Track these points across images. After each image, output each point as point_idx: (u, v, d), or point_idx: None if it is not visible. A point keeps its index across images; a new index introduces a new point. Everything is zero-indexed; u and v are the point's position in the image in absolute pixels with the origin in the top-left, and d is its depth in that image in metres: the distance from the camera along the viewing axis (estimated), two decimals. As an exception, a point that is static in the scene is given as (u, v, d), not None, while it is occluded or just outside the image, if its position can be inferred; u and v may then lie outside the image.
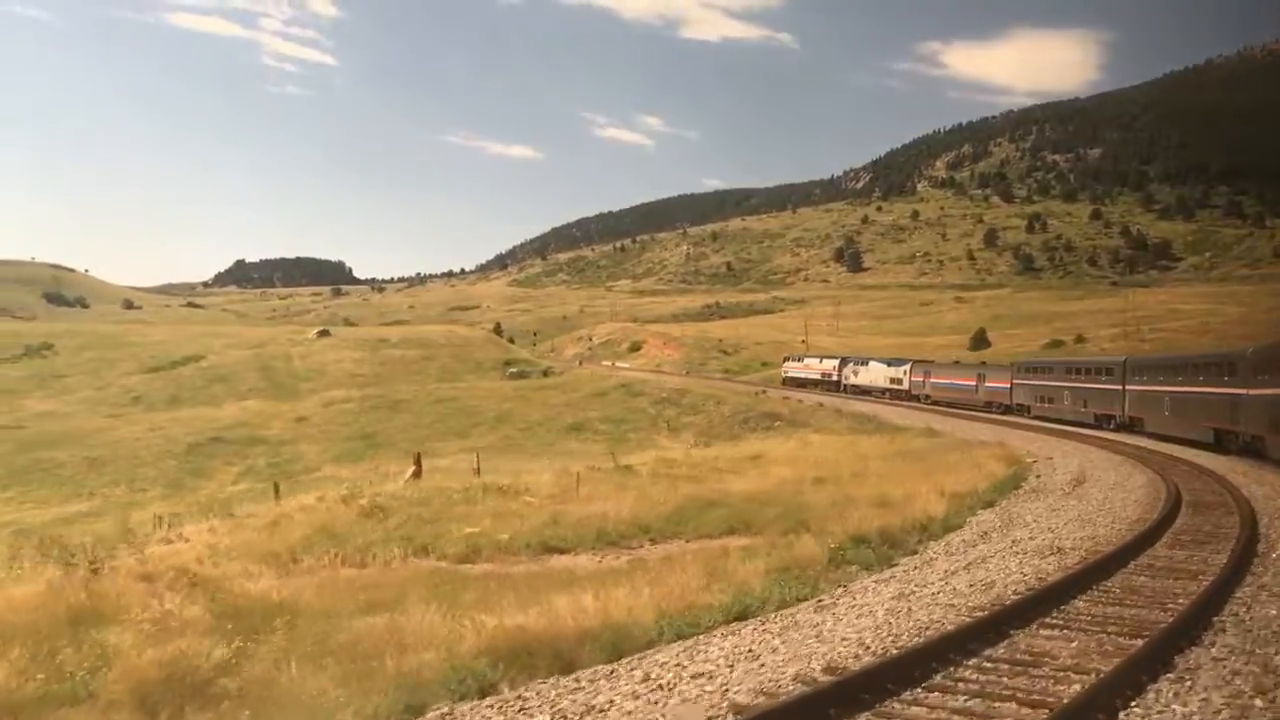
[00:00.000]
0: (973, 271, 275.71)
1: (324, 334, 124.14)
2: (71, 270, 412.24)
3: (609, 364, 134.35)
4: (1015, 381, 61.61)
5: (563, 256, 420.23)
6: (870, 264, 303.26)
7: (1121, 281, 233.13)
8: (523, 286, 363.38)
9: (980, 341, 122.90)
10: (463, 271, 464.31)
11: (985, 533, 15.26)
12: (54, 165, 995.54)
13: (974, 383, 67.84)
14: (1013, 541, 14.18)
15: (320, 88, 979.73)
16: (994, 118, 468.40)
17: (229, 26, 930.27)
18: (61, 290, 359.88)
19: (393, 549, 14.84)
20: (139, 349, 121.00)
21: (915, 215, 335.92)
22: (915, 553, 14.11)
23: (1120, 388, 45.46)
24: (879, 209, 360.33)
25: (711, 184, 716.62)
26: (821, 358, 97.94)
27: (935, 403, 69.60)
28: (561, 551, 15.08)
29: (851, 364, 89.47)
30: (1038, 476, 23.74)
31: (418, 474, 28.56)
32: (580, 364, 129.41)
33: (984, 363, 77.54)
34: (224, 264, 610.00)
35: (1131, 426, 43.70)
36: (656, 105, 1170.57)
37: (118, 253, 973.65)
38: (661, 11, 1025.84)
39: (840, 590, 11.67)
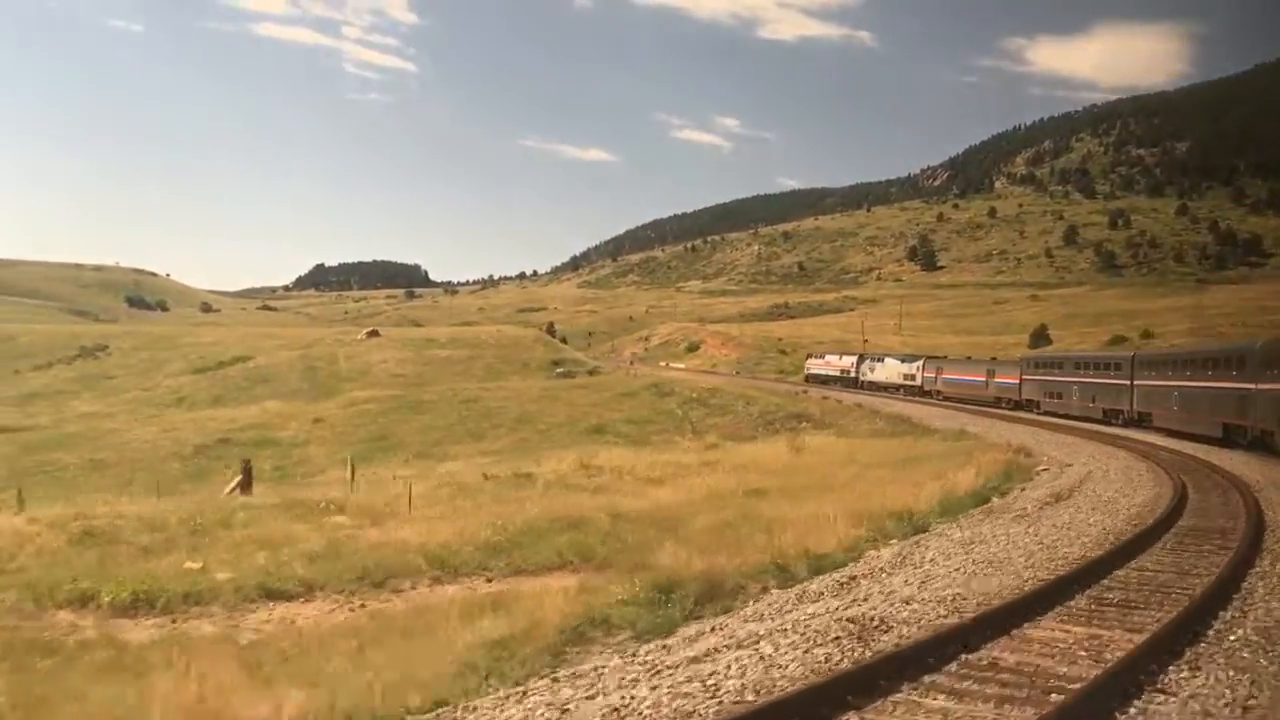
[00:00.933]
0: (1051, 269, 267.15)
1: (373, 334, 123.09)
2: (154, 275, 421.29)
3: (664, 364, 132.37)
4: (1024, 377, 61.52)
5: (633, 258, 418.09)
6: (945, 263, 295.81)
7: (1208, 278, 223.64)
8: (592, 288, 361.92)
9: (1041, 339, 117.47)
10: (534, 274, 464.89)
11: (845, 581, 11.78)
12: (141, 172, 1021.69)
13: (984, 378, 67.82)
14: (853, 600, 10.62)
15: (399, 94, 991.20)
16: (1077, 112, 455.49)
17: (312, 36, 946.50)
18: (143, 294, 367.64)
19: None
20: (190, 350, 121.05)
21: (992, 213, 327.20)
22: (729, 610, 10.78)
23: (1128, 383, 45.12)
24: (955, 206, 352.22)
25: (788, 185, 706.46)
26: (841, 355, 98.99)
27: (947, 398, 69.58)
28: (288, 598, 11.95)
29: (868, 361, 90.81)
30: (1022, 488, 20.29)
31: (245, 486, 25.21)
32: (632, 364, 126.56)
33: (994, 358, 77.25)
34: (305, 268, 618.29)
35: (1140, 422, 43.29)
36: (733, 106, 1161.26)
37: (203, 258, 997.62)
38: (737, 12, 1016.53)
39: (544, 681, 8.28)
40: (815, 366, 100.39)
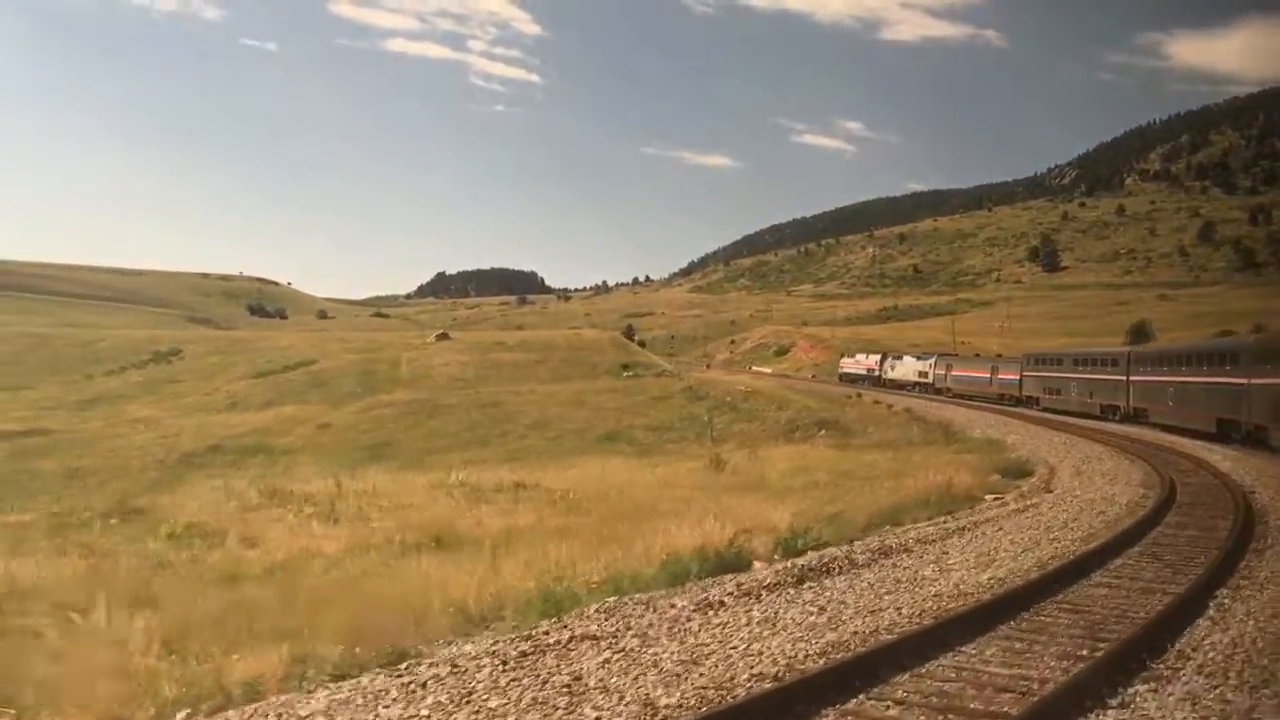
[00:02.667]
0: (1184, 268, 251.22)
1: (442, 337, 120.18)
2: (275, 283, 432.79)
3: (749, 368, 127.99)
4: (1024, 373, 61.67)
5: (745, 262, 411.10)
6: (1068, 263, 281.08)
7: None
8: (703, 292, 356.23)
9: (1141, 336, 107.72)
10: (648, 279, 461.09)
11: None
12: (273, 185, 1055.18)
13: (988, 375, 67.87)
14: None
15: (523, 104, 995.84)
16: (1215, 106, 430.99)
17: (440, 50, 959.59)
18: (264, 302, 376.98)
19: None
20: (259, 355, 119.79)
21: (1121, 210, 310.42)
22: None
23: (1125, 379, 45.39)
24: (1082, 205, 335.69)
25: (912, 187, 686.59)
26: (869, 354, 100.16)
27: (956, 395, 69.19)
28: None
29: (890, 359, 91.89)
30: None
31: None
32: (708, 367, 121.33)
33: (1000, 355, 77.36)
34: (427, 276, 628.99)
35: (1136, 417, 43.27)
36: (855, 109, 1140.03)
37: (330, 268, 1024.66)
38: (859, 15, 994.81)
39: None
40: (847, 365, 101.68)
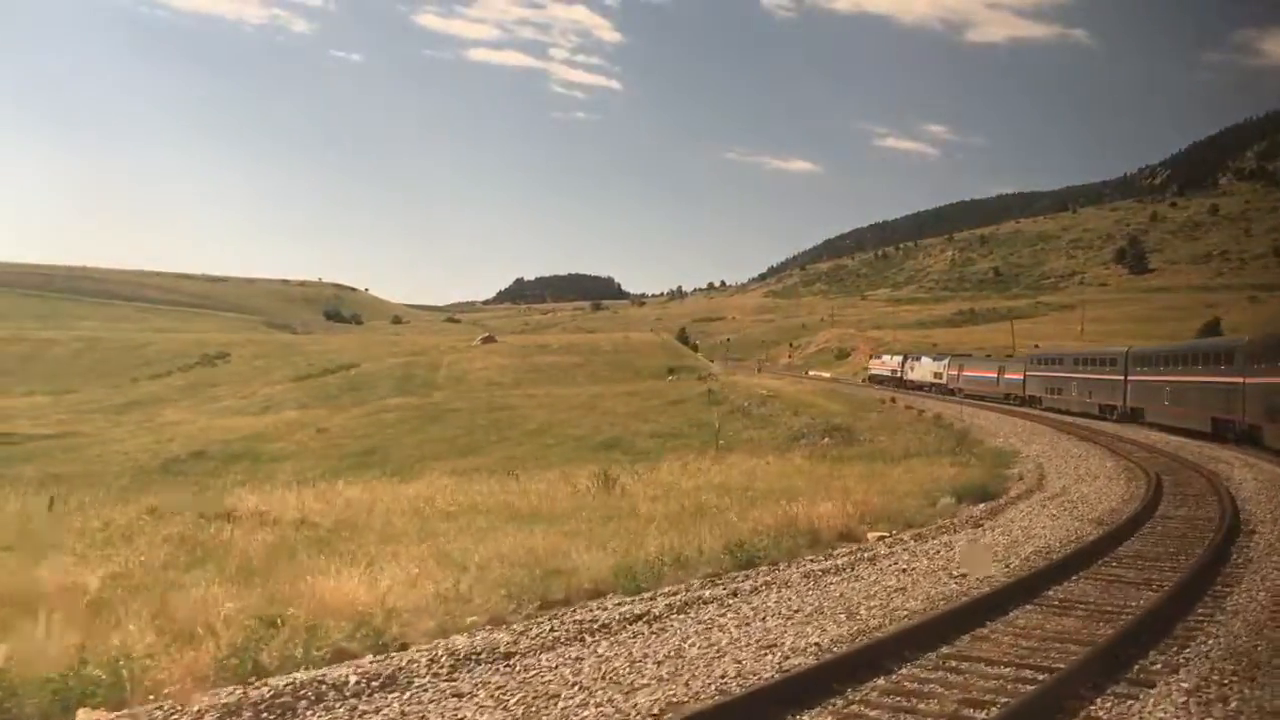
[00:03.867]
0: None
1: (488, 340, 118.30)
2: (353, 289, 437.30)
3: (810, 372, 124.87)
4: (1028, 373, 61.68)
5: (822, 266, 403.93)
6: (1156, 265, 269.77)
7: None
8: (778, 297, 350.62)
9: (1211, 334, 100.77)
10: (723, 284, 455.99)
11: None
12: (358, 192, 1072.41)
13: (995, 375, 67.75)
14: None
15: (603, 111, 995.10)
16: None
17: (521, 58, 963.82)
18: (340, 308, 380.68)
19: None
20: (303, 359, 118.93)
21: (1214, 210, 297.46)
22: None
23: (1122, 378, 45.36)
24: (1173, 205, 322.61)
25: (999, 190, 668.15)
26: (893, 355, 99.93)
27: (968, 396, 68.19)
28: None
29: (910, 360, 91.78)
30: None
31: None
32: (759, 371, 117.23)
33: (1009, 355, 77.77)
34: (506, 283, 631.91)
35: (1133, 417, 43.17)
36: (940, 112, 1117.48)
37: (409, 273, 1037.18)
38: (943, 16, 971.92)
39: None
40: (875, 367, 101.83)
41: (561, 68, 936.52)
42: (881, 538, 13.99)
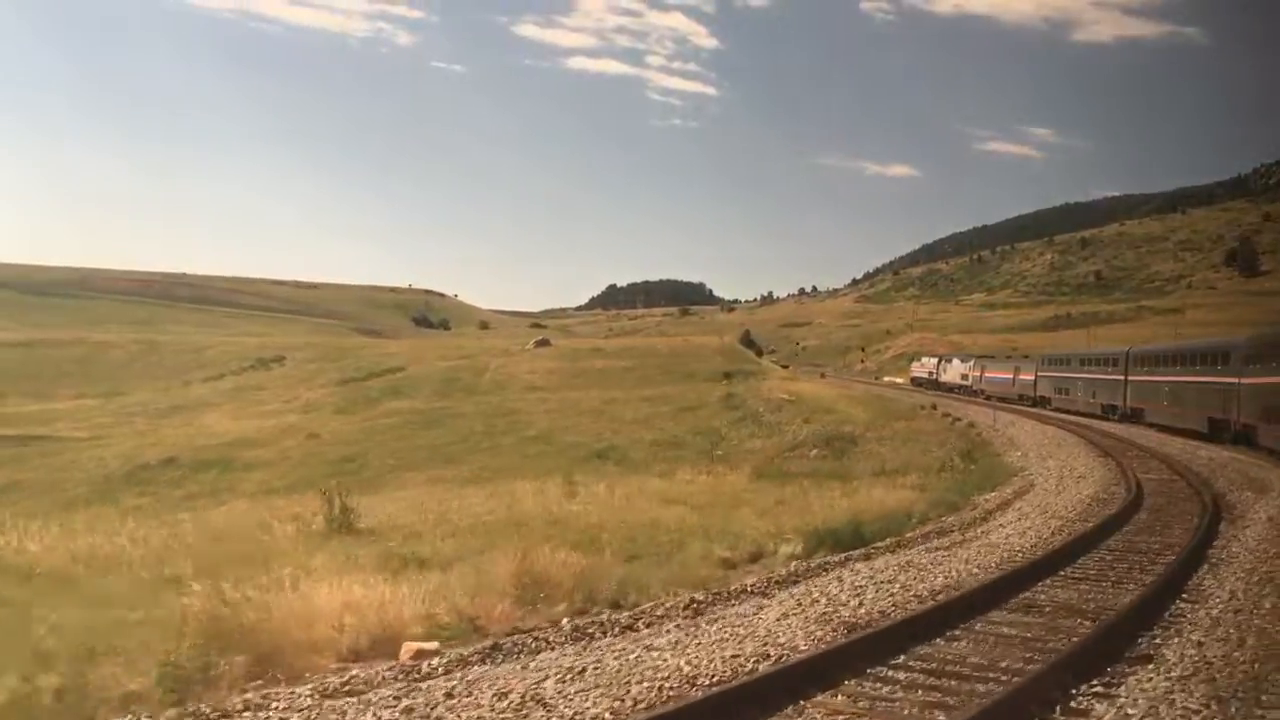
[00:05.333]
0: None
1: (542, 344, 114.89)
2: (442, 295, 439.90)
3: (884, 378, 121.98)
4: (1039, 374, 61.63)
5: (915, 271, 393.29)
6: (1269, 266, 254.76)
7: None
8: (870, 302, 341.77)
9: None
10: (814, 290, 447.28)
11: None
12: (457, 199, 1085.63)
13: (1011, 376, 67.58)
14: None
15: (699, 118, 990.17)
16: None
17: (619, 67, 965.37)
18: (428, 314, 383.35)
19: None
20: (355, 362, 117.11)
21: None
22: None
23: (1123, 378, 45.17)
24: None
25: (1103, 193, 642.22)
26: (931, 358, 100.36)
27: (989, 397, 67.32)
28: None
29: (942, 362, 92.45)
30: None
31: None
32: (822, 376, 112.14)
33: (1026, 356, 76.00)
34: (599, 288, 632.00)
35: (1134, 417, 42.92)
36: (1043, 114, 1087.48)
37: (504, 280, 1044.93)
38: (1048, 16, 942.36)
39: None
40: (915, 370, 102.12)
41: (658, 75, 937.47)
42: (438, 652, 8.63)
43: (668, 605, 10.14)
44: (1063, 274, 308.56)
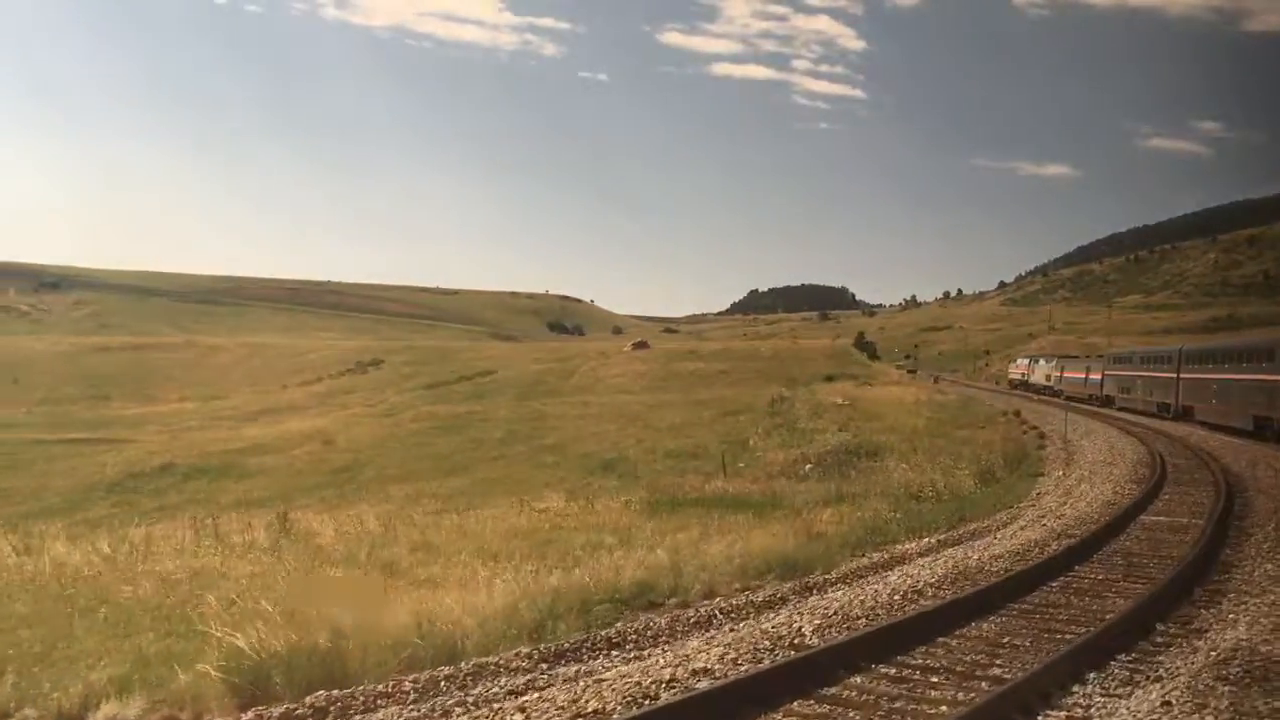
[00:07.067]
0: None
1: (640, 346, 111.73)
2: (579, 301, 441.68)
3: (1003, 383, 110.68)
4: (1106, 373, 60.94)
5: (1066, 272, 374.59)
6: None
7: None
8: (1016, 305, 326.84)
9: None
10: (959, 293, 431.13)
11: None
12: (600, 205, 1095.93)
13: (1083, 375, 66.92)
14: None
15: (846, 121, 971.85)
16: None
17: (764, 71, 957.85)
18: (563, 319, 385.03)
19: None
20: (448, 365, 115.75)
21: None
22: None
23: (1175, 376, 44.65)
24: None
25: (1278, 189, 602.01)
26: (1026, 359, 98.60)
27: (1069, 398, 62.75)
28: None
29: (1033, 363, 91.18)
30: None
31: None
32: (935, 381, 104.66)
33: (1100, 355, 74.41)
34: (741, 294, 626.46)
35: (1185, 416, 42.45)
36: (1212, 107, 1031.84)
37: (645, 285, 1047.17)
38: (1216, 5, 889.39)
39: None
40: (1012, 372, 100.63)
41: (804, 79, 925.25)
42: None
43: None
44: (1227, 274, 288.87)
